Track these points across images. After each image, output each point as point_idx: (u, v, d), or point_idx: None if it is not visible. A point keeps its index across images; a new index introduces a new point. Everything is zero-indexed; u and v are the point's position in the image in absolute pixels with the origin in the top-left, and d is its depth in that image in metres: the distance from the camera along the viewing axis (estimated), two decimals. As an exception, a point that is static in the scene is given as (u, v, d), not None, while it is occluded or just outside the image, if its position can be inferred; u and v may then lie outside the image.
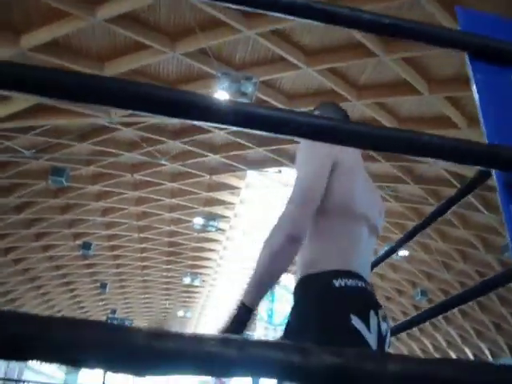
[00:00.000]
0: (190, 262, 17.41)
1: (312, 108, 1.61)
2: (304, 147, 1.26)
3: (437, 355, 17.72)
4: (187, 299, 22.29)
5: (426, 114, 8.31)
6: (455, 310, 14.59)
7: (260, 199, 13.04)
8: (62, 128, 8.97)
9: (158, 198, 12.39)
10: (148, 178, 11.32)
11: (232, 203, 13.19)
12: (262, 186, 12.25)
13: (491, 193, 9.47)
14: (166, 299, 22.07)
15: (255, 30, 6.78)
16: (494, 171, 0.85)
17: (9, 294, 16.44)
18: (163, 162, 10.42)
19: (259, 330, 14.68)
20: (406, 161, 9.53)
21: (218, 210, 13.35)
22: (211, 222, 12.93)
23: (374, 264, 1.87)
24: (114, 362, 0.40)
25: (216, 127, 9.11)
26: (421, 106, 8.10)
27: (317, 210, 1.17)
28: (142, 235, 14.71)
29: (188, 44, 7.09)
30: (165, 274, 18.54)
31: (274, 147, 9.73)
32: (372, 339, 1.01)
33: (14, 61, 0.63)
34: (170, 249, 16.08)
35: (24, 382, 17.67)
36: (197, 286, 19.46)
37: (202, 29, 6.82)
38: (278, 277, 1.11)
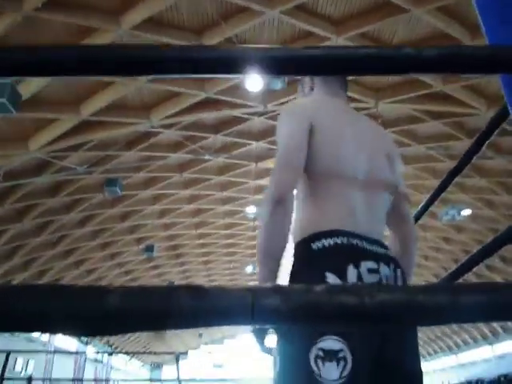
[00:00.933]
0: (249, 251, 17.64)
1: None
2: (280, 118, 1.28)
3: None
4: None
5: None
6: None
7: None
8: (108, 140, 9.30)
9: (209, 193, 12.61)
10: (196, 175, 11.54)
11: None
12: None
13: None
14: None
15: (279, 9, 6.66)
16: None
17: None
18: (208, 157, 10.57)
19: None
20: (455, 116, 9.08)
21: (269, 196, 13.36)
22: (264, 209, 12.96)
23: (417, 217, 1.87)
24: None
25: (254, 114, 9.10)
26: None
27: (303, 179, 1.18)
28: (199, 231, 15.06)
29: (213, 36, 7.09)
30: (227, 265, 18.92)
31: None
32: None
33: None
34: (229, 241, 16.35)
35: (112, 381, 18.79)
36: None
37: (225, 19, 6.79)
38: (280, 245, 1.09)
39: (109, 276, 16.41)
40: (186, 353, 25.19)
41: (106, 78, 7.41)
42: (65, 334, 0.46)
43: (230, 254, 17.63)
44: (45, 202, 10.57)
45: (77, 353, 15.98)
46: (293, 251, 1.16)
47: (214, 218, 14.37)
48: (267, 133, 10.10)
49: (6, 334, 13.19)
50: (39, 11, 5.89)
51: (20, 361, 14.32)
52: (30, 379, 8.15)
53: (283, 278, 1.14)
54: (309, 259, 1.08)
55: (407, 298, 0.44)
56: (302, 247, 1.11)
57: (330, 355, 0.94)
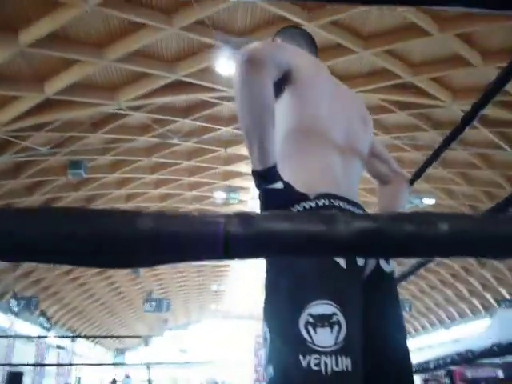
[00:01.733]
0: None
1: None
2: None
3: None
4: (218, 273, 22.69)
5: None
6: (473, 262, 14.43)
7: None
8: (74, 121, 9.01)
9: (177, 177, 12.46)
10: (164, 160, 11.36)
11: (249, 173, 13.14)
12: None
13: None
14: (199, 276, 22.52)
15: (251, -7, 6.57)
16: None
17: (50, 288, 17.01)
18: (177, 141, 10.42)
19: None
20: (422, 107, 9.28)
21: (238, 182, 13.35)
22: (232, 195, 12.97)
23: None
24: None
25: (223, 98, 9.01)
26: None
27: (279, 137, 1.08)
28: (166, 216, 14.88)
29: (185, 18, 6.93)
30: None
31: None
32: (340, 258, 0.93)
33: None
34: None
35: (76, 364, 18.50)
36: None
37: (197, 0, 6.64)
38: (264, 110, 0.97)
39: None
40: (150, 337, 25.07)
41: (72, 56, 7.14)
42: (89, 264, 0.43)
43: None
44: (5, 183, 10.17)
45: (39, 337, 15.61)
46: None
47: (181, 203, 14.24)
48: (236, 118, 10.02)
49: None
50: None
51: (-22, 347, 13.87)
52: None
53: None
54: None
55: (377, 226, 0.43)
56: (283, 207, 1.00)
57: (321, 320, 0.87)
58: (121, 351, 28.00)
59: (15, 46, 6.57)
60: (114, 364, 24.00)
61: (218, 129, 10.23)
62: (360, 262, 0.98)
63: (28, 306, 14.37)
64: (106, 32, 7.10)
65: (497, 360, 7.87)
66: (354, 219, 0.43)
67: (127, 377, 19.05)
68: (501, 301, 15.88)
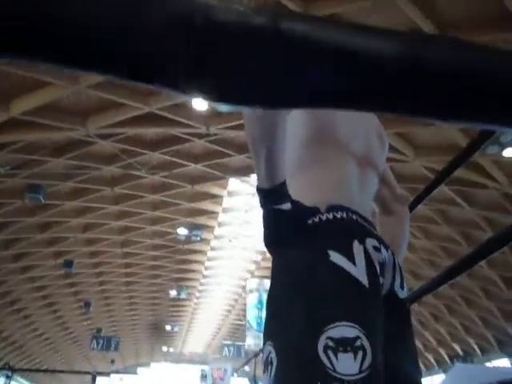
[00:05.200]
0: (175, 275, 17.14)
1: None
2: None
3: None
4: (174, 313, 21.93)
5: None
6: (443, 308, 14.70)
7: (243, 206, 12.95)
8: (37, 143, 8.74)
9: (140, 211, 12.18)
10: (129, 191, 11.12)
11: (215, 212, 13.06)
12: (245, 193, 12.17)
13: (471, 188, 9.60)
14: (153, 315, 21.67)
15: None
16: None
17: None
18: (143, 174, 10.26)
19: (249, 340, 14.51)
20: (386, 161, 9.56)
21: (202, 220, 13.20)
22: (195, 232, 12.78)
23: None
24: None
25: (196, 135, 9.01)
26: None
27: (293, 145, 1.02)
28: (125, 250, 14.42)
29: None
30: (150, 288, 18.22)
31: (255, 153, 9.65)
32: (359, 272, 0.84)
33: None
34: (155, 262, 15.81)
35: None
36: (183, 299, 19.17)
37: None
38: (275, 119, 0.86)
39: (18, 290, 15.12)
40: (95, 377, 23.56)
41: (44, 78, 7.02)
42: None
43: (155, 276, 17.02)
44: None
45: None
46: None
47: (142, 237, 13.87)
48: (206, 156, 10.03)
49: None
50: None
51: None
52: None
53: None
54: (306, 234, 0.90)
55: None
56: (295, 226, 0.92)
57: (343, 345, 0.75)
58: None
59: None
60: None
61: (187, 165, 10.16)
62: (378, 259, 0.90)
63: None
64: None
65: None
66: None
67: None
68: (454, 357, 16.02)
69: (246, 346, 15.44)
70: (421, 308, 14.95)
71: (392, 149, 8.99)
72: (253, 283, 15.64)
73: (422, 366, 18.58)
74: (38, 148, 8.84)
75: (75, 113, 8.08)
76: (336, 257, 0.84)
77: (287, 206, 0.90)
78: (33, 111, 7.54)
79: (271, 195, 0.90)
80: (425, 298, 1.89)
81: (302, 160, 1.04)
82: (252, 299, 15.19)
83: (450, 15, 6.21)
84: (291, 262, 0.89)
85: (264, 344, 0.85)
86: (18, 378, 20.85)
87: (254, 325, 14.46)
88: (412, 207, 1.73)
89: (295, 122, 1.04)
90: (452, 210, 10.80)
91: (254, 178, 11.05)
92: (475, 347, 15.93)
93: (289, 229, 0.90)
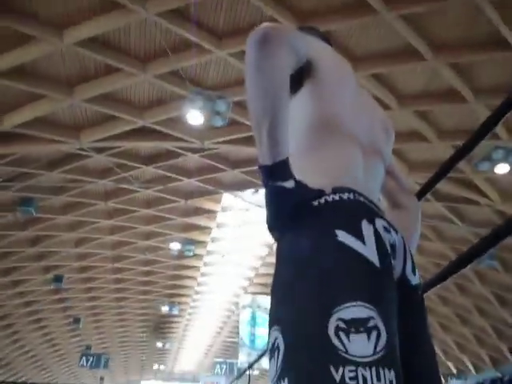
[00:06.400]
0: (166, 291, 16.95)
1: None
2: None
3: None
4: (165, 330, 21.62)
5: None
6: (436, 326, 14.63)
7: (236, 222, 12.90)
8: (30, 156, 8.69)
9: (133, 225, 12.09)
10: (122, 206, 11.05)
11: (208, 227, 13.00)
12: (238, 208, 12.14)
13: (463, 205, 9.65)
14: (144, 331, 21.34)
15: (226, 51, 6.79)
16: None
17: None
18: (137, 189, 10.21)
19: (242, 357, 14.30)
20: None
21: (195, 235, 13.12)
22: (188, 247, 12.69)
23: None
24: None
25: (190, 149, 9.01)
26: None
27: (297, 128, 1.00)
28: (116, 265, 14.26)
29: (159, 66, 7.03)
30: (141, 304, 17.98)
31: (248, 169, 9.67)
32: (369, 251, 0.80)
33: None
34: (146, 278, 15.63)
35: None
36: (175, 316, 18.93)
37: (172, 51, 6.78)
38: (277, 93, 0.86)
39: (7, 305, 14.85)
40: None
41: (39, 91, 7.02)
42: None
43: (146, 292, 16.81)
44: None
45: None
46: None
47: (134, 252, 13.73)
48: (200, 171, 10.02)
49: None
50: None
51: None
52: None
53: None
54: (312, 215, 0.86)
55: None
56: (299, 207, 0.87)
57: (356, 325, 0.71)
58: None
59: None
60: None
61: (181, 180, 10.14)
62: (388, 240, 0.86)
63: None
64: (78, 71, 7.06)
65: None
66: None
67: None
68: (448, 375, 15.91)
69: (238, 364, 15.21)
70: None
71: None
72: (246, 299, 15.50)
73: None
74: (31, 161, 8.78)
75: (69, 126, 8.06)
76: (344, 236, 0.81)
77: (290, 183, 0.86)
78: (26, 124, 7.51)
79: (274, 172, 0.86)
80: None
81: (306, 145, 1.01)
82: (245, 316, 15.02)
83: (443, 35, 6.31)
84: (296, 244, 0.85)
85: (270, 330, 0.81)
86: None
87: (247, 341, 14.27)
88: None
89: (297, 109, 1.02)
90: (444, 227, 10.83)
91: (248, 193, 11.04)
92: (468, 365, 15.83)
93: (292, 207, 0.86)
